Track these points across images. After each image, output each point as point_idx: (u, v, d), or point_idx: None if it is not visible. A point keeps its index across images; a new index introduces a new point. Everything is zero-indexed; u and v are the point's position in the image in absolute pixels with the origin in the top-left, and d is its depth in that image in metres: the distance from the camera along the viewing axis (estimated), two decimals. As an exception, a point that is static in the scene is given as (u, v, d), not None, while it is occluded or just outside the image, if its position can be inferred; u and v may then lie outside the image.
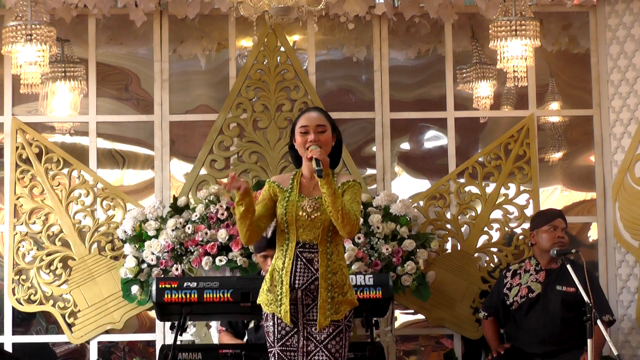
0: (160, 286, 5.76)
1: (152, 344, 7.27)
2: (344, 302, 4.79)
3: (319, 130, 4.83)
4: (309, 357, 4.76)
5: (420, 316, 7.34)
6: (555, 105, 7.54)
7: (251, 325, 6.39)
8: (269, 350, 4.83)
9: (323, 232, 4.77)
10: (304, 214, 4.78)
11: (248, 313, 5.75)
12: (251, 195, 4.75)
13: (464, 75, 7.47)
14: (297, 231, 4.78)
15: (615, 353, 5.69)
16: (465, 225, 7.32)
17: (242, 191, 4.71)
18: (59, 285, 7.19)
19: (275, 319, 4.79)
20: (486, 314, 6.83)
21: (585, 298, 5.68)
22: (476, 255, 7.30)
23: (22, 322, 7.30)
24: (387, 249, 6.82)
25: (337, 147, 4.94)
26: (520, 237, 7.30)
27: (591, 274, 6.60)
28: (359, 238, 6.78)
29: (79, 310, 7.16)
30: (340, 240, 4.84)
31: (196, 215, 6.88)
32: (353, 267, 6.67)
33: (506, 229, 7.32)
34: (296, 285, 4.76)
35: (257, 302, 4.88)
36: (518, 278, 6.72)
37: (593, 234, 7.44)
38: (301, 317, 4.79)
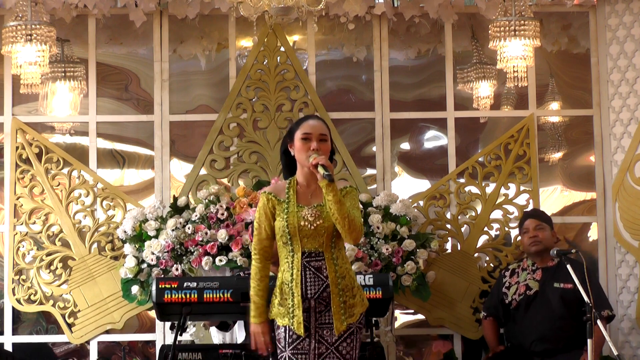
0: (160, 286, 5.75)
1: (152, 344, 7.27)
2: (355, 304, 4.79)
3: (321, 138, 4.82)
4: (321, 359, 4.76)
5: (420, 316, 7.34)
6: (555, 105, 7.54)
7: None
8: (280, 355, 4.82)
9: (327, 239, 4.76)
10: (307, 223, 4.75)
11: (248, 313, 5.74)
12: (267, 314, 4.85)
13: (464, 75, 7.47)
14: (302, 241, 4.76)
15: (615, 353, 5.69)
16: (465, 225, 7.32)
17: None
18: (59, 285, 7.19)
19: (287, 327, 4.78)
20: (486, 314, 6.84)
21: (586, 298, 5.68)
22: (476, 255, 7.31)
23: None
24: (387, 249, 6.82)
25: (329, 157, 4.93)
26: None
27: (589, 270, 6.59)
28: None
29: (79, 310, 7.17)
30: (343, 245, 4.84)
31: (196, 215, 6.88)
32: (353, 267, 6.67)
33: (506, 229, 7.32)
34: (309, 295, 4.76)
35: (270, 318, 4.86)
36: (516, 277, 6.73)
37: (593, 234, 7.44)
38: (313, 321, 4.78)
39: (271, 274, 6.10)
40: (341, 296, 4.76)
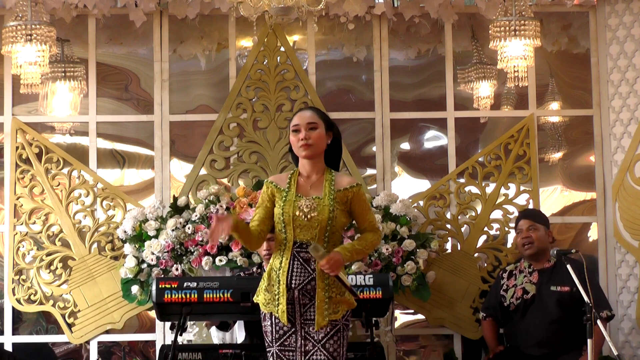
0: (160, 286, 5.75)
1: (152, 344, 7.27)
2: (342, 301, 4.80)
3: (310, 127, 4.85)
4: (307, 357, 4.77)
5: (420, 316, 7.34)
6: (555, 105, 7.54)
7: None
8: (267, 349, 4.84)
9: (320, 232, 4.78)
10: (301, 214, 4.79)
11: (248, 313, 5.75)
12: (239, 224, 4.74)
13: (464, 75, 7.47)
14: (295, 231, 4.79)
15: (615, 353, 5.68)
16: (465, 225, 7.32)
17: (229, 230, 4.69)
18: (59, 285, 7.19)
19: (273, 319, 4.80)
20: (485, 315, 6.83)
21: (585, 298, 5.67)
22: (476, 255, 7.30)
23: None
24: (387, 249, 6.82)
25: (336, 146, 4.94)
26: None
27: (589, 270, 6.58)
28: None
29: (79, 310, 7.16)
30: (338, 241, 4.85)
31: (196, 215, 6.88)
32: (353, 267, 6.66)
33: (506, 229, 7.32)
34: (293, 285, 4.78)
35: (255, 301, 4.89)
36: (513, 279, 6.71)
37: (593, 234, 7.43)
38: (299, 316, 4.80)
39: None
40: (327, 291, 4.78)
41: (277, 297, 4.78)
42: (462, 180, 7.36)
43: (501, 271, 6.86)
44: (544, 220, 6.75)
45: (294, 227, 4.79)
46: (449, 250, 7.32)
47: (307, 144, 4.83)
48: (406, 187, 7.43)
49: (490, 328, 6.81)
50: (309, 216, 4.78)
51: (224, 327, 6.39)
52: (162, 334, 7.14)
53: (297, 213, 4.79)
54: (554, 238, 6.82)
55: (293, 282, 4.78)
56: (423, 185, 7.47)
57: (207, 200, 6.94)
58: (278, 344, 4.80)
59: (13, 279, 7.18)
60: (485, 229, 7.32)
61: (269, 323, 4.82)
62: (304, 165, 4.88)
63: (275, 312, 4.78)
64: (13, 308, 7.20)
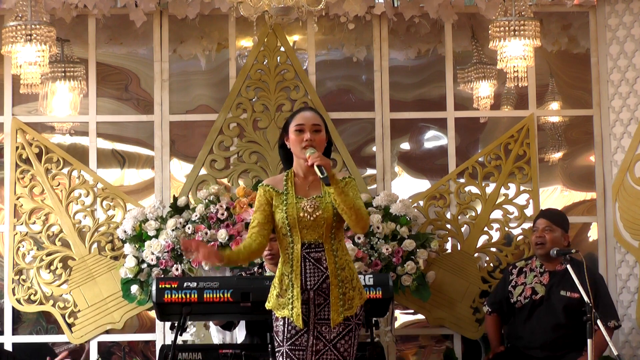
0: (160, 286, 5.76)
1: (152, 344, 7.27)
2: (354, 296, 4.79)
3: (315, 129, 4.83)
4: (318, 356, 4.76)
5: (420, 316, 7.34)
6: (555, 105, 7.54)
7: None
8: (277, 349, 4.82)
9: (326, 230, 4.77)
10: (306, 214, 4.77)
11: (248, 313, 5.75)
12: (222, 254, 4.73)
13: (464, 75, 7.47)
14: (301, 232, 4.78)
15: (616, 353, 5.68)
16: (465, 225, 7.32)
17: (212, 259, 4.70)
18: (59, 285, 7.19)
19: (286, 320, 4.78)
20: (490, 310, 6.80)
21: (585, 298, 5.67)
22: (476, 255, 7.30)
23: None
24: (387, 249, 6.83)
25: (327, 148, 4.94)
26: (520, 237, 7.31)
27: (598, 277, 6.59)
28: (358, 238, 6.79)
29: (79, 310, 7.17)
30: (342, 237, 4.85)
31: (196, 215, 6.89)
32: (353, 267, 6.67)
33: (506, 229, 7.32)
34: (308, 287, 4.76)
35: (267, 308, 4.86)
36: (523, 277, 6.68)
37: (593, 234, 7.44)
38: (312, 316, 4.78)
39: (271, 273, 6.14)
40: (340, 287, 4.77)
41: (291, 301, 4.77)
42: (462, 180, 7.36)
43: (510, 266, 6.82)
44: (562, 223, 6.68)
45: (300, 228, 4.77)
46: (449, 250, 7.32)
47: (312, 145, 4.82)
48: (406, 187, 7.43)
49: (494, 324, 6.79)
50: (314, 215, 4.77)
51: (228, 326, 6.39)
52: (162, 334, 7.14)
53: (302, 214, 4.77)
54: (569, 242, 6.74)
55: (308, 283, 4.76)
56: (423, 185, 7.47)
57: (207, 200, 6.94)
58: (289, 343, 4.78)
59: (13, 279, 7.18)
60: (485, 229, 7.32)
61: (281, 324, 4.80)
62: (301, 166, 4.85)
63: (289, 315, 4.76)
64: (13, 308, 7.21)
